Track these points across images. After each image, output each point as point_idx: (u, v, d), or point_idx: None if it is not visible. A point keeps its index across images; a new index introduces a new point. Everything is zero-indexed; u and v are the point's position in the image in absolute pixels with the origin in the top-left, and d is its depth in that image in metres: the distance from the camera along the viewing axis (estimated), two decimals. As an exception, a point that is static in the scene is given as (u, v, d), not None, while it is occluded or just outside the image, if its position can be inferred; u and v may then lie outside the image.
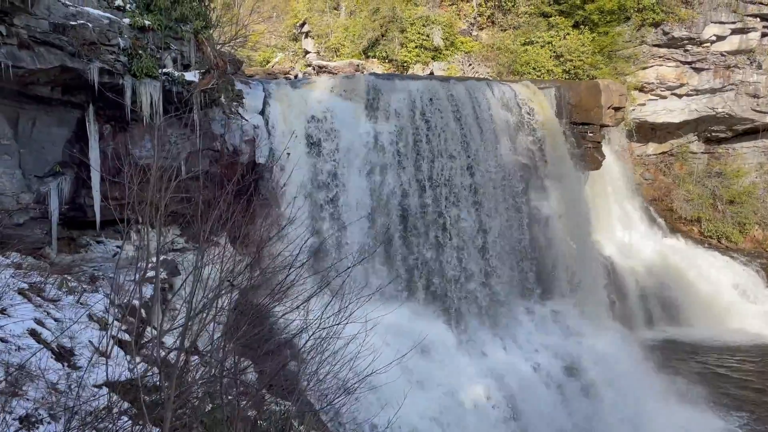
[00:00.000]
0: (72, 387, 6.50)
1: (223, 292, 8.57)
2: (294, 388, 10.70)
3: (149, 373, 7.55)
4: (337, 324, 8.34)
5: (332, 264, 16.14)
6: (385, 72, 26.95)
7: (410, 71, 27.95)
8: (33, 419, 5.48)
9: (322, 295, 12.42)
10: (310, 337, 10.84)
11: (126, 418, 7.04)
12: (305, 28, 33.39)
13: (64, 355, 7.00)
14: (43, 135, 12.41)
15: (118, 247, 14.39)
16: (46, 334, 7.01)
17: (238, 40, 39.82)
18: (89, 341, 7.34)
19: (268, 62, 34.77)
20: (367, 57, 29.03)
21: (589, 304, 21.01)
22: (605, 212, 25.66)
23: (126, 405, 7.08)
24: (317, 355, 10.26)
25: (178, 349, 8.70)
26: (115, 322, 8.03)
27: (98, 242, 14.13)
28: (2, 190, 11.73)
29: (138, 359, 7.67)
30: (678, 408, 18.16)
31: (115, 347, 7.86)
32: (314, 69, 29.23)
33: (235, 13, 39.93)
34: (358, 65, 27.79)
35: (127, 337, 8.21)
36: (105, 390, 6.90)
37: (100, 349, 7.51)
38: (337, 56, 30.01)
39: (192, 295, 10.35)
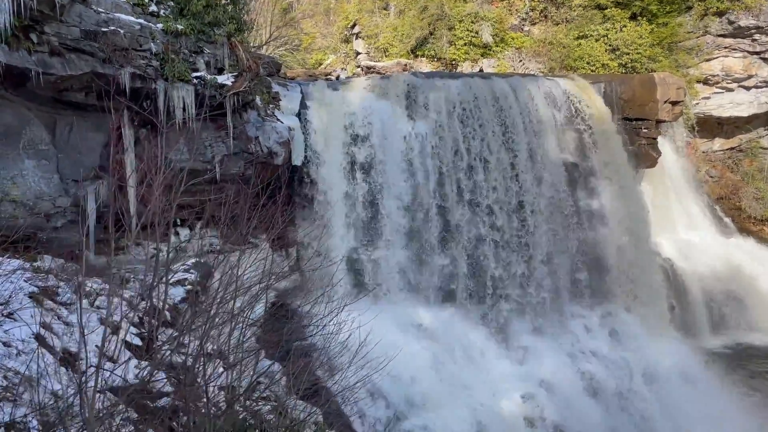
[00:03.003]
0: (73, 392, 6.48)
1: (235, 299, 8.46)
2: (317, 391, 10.51)
3: (156, 378, 7.50)
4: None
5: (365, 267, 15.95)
6: (433, 71, 26.55)
7: (459, 69, 27.45)
8: (19, 426, 5.44)
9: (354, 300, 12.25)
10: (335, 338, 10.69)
11: (130, 425, 7.00)
12: (356, 30, 33.38)
13: (69, 360, 7.01)
14: (79, 140, 12.69)
15: (155, 249, 14.65)
16: (52, 338, 7.04)
17: (293, 44, 40.27)
18: (96, 346, 7.33)
19: (321, 64, 34.99)
20: (416, 56, 28.69)
21: (644, 309, 19.94)
22: (665, 212, 24.34)
23: (130, 411, 7.04)
24: (336, 355, 10.08)
25: (187, 354, 8.63)
26: (127, 326, 8.04)
27: (137, 244, 14.37)
28: (40, 195, 12.06)
29: (146, 364, 7.64)
30: (748, 423, 17.04)
31: (126, 352, 7.86)
32: (363, 70, 29.14)
33: (292, 16, 40.53)
34: (405, 65, 27.50)
35: (138, 341, 8.21)
36: (109, 396, 6.87)
37: (108, 353, 7.51)
38: (386, 56, 29.80)
39: (213, 299, 10.28)
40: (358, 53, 32.64)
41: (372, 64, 28.54)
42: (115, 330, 8.17)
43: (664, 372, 17.85)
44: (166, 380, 7.71)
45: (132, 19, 12.35)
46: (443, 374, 14.97)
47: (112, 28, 11.82)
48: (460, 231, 16.94)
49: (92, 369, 5.50)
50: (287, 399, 9.94)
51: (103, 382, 7.03)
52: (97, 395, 6.95)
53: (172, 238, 15.16)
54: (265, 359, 10.94)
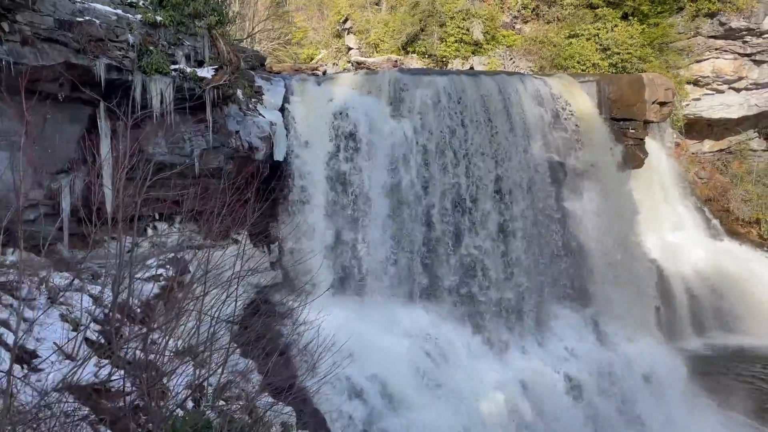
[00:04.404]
0: (26, 391, 6.31)
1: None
2: (290, 389, 10.34)
3: (115, 377, 7.32)
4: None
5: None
6: (420, 67, 26.39)
7: (450, 66, 27.29)
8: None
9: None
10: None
11: (85, 425, 6.82)
12: (348, 25, 33.16)
13: (24, 358, 6.83)
14: (54, 132, 12.44)
15: (130, 243, 14.41)
16: (7, 335, 6.85)
17: (286, 38, 39.86)
18: (54, 343, 7.16)
19: (312, 59, 34.75)
20: (407, 52, 28.53)
21: (629, 310, 19.86)
22: (652, 213, 24.25)
23: (86, 410, 6.86)
24: (311, 353, 9.93)
25: (154, 352, 8.46)
26: (89, 322, 7.87)
27: (113, 239, 14.14)
28: (12, 187, 11.80)
29: (106, 362, 7.46)
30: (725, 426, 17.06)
31: (88, 349, 7.67)
32: (353, 65, 28.92)
33: (285, 10, 40.10)
34: (396, 61, 27.30)
35: (101, 338, 8.02)
36: (64, 395, 6.70)
37: (66, 350, 7.34)
38: (377, 52, 29.63)
39: (184, 295, 10.08)
40: (349, 48, 32.43)
41: (362, 59, 28.35)
42: (76, 327, 8.00)
43: (648, 374, 17.80)
44: (131, 379, 7.53)
45: (109, 9, 12.11)
46: (424, 373, 14.84)
47: (88, 17, 11.56)
48: (444, 229, 16.78)
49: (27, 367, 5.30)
50: (258, 397, 9.78)
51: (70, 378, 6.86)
52: (54, 394, 6.79)
53: (149, 232, 14.96)
54: (239, 357, 10.77)
